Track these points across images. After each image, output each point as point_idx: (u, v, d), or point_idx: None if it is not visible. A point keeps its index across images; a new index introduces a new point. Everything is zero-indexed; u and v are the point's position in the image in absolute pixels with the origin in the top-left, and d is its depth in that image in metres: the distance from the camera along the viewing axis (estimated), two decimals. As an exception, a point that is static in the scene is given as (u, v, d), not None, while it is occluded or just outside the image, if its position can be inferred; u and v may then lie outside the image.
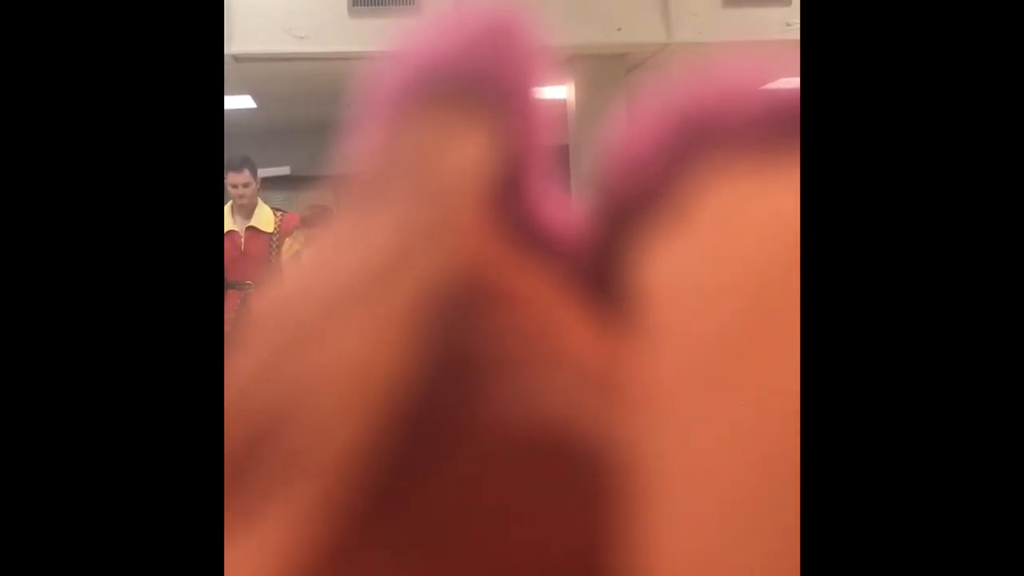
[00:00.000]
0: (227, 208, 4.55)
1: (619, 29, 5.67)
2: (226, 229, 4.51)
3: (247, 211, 4.58)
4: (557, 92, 5.77)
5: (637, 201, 0.27)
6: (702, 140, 0.26)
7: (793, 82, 0.26)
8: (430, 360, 0.24)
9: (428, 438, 0.24)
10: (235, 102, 7.05)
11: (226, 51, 5.14)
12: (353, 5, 5.49)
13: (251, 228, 4.57)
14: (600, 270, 0.28)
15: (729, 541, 0.20)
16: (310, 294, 0.25)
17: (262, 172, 4.75)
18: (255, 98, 7.22)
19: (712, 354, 0.22)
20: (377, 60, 0.29)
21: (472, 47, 0.28)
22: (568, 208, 0.29)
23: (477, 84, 0.28)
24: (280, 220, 4.61)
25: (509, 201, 0.28)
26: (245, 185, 4.52)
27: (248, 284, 4.30)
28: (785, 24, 5.44)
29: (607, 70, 5.83)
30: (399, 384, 0.23)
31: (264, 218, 4.60)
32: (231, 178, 4.48)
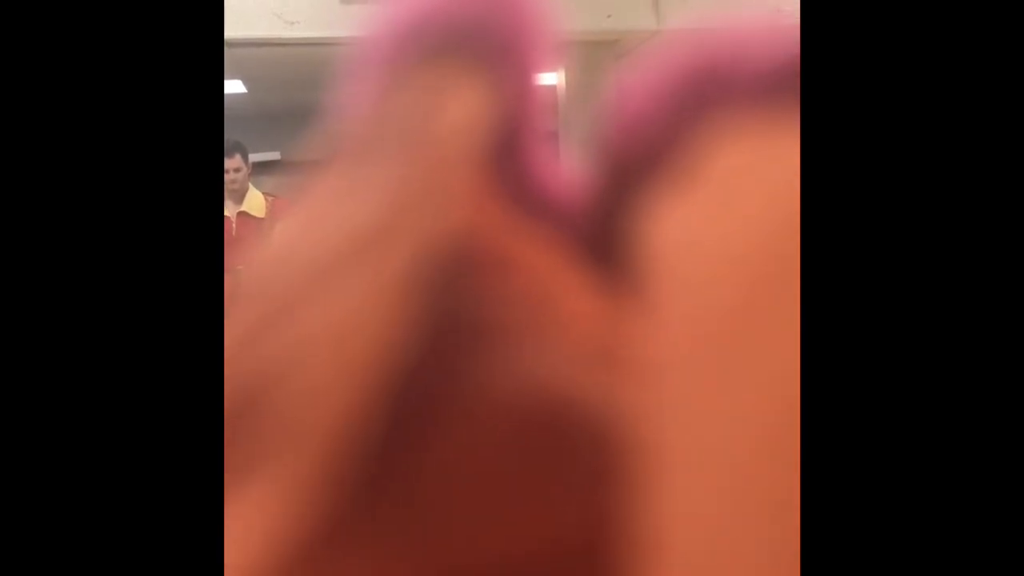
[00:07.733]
0: (217, 194, 4.51)
1: (609, 16, 5.64)
2: (217, 215, 4.47)
3: (238, 196, 4.55)
4: (547, 78, 5.75)
5: (640, 162, 0.26)
6: (708, 98, 0.25)
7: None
8: (424, 327, 0.24)
9: (422, 408, 0.24)
10: (226, 87, 7.01)
11: (216, 36, 5.09)
12: (344, -9, 5.44)
13: (242, 213, 4.54)
14: (601, 234, 0.27)
15: (731, 515, 0.20)
16: (300, 257, 0.25)
17: (253, 157, 4.72)
18: (246, 83, 7.18)
19: (717, 323, 0.22)
20: (370, 12, 0.28)
21: None
22: (568, 170, 0.28)
23: (473, 36, 0.27)
24: (271, 205, 4.58)
25: (506, 161, 0.28)
26: (236, 170, 4.49)
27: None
28: (777, 10, 5.40)
29: (597, 57, 5.80)
30: (391, 352, 0.23)
31: (255, 203, 4.57)
32: (222, 163, 4.45)
